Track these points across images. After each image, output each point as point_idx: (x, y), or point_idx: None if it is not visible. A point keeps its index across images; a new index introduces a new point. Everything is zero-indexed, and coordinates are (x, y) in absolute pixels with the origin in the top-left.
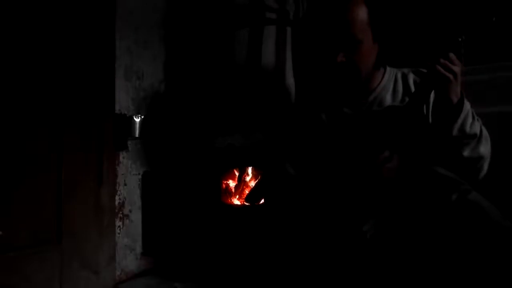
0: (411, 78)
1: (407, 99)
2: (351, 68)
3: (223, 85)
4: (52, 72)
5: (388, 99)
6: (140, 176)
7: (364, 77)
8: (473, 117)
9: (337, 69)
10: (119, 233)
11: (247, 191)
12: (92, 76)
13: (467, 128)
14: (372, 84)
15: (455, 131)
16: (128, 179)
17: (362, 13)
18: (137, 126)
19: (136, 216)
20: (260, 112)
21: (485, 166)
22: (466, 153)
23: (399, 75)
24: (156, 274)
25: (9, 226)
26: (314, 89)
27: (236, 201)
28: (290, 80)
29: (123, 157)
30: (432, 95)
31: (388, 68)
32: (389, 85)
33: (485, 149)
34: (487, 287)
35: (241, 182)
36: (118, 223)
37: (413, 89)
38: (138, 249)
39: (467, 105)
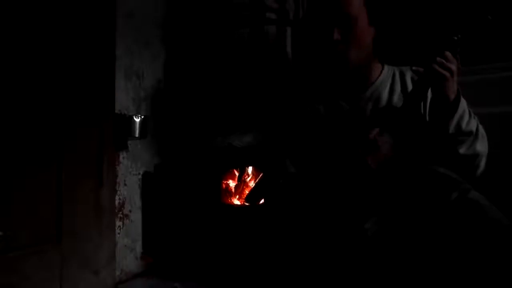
0: (408, 76)
1: (403, 96)
2: (347, 46)
3: (223, 84)
4: (52, 72)
5: (385, 96)
6: (140, 176)
7: (359, 61)
8: (470, 115)
9: (333, 48)
10: (119, 233)
11: (247, 191)
12: (92, 76)
13: (463, 125)
14: (369, 79)
15: (451, 128)
16: (128, 179)
17: None
18: (137, 126)
19: (136, 216)
20: (260, 111)
21: (482, 164)
22: (462, 150)
23: (397, 73)
24: (156, 274)
25: (9, 226)
26: (313, 85)
27: (236, 201)
28: (290, 79)
29: (123, 157)
30: (430, 93)
31: (386, 66)
32: (387, 81)
33: (481, 146)
34: (487, 285)
35: (241, 182)
36: (118, 223)
37: (410, 86)
38: (138, 249)
39: (463, 103)
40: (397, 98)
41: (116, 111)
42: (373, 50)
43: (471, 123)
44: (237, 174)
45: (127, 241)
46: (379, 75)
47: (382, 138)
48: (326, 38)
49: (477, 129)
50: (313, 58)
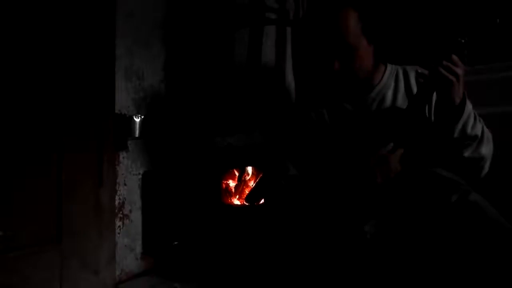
0: (412, 75)
1: (408, 97)
2: (348, 74)
3: (223, 85)
4: (52, 72)
5: (389, 96)
6: (140, 176)
7: (362, 80)
8: (475, 118)
9: (334, 76)
10: (119, 233)
11: (247, 191)
12: (92, 76)
13: (469, 130)
14: (373, 81)
15: (456, 133)
16: (128, 179)
17: (353, 20)
18: (137, 126)
19: (136, 216)
20: (260, 111)
21: (487, 166)
22: (467, 153)
23: (401, 72)
24: (156, 274)
25: (9, 226)
26: (315, 86)
27: (236, 201)
28: (290, 79)
29: (123, 157)
30: (434, 95)
31: (388, 65)
32: (390, 82)
33: (486, 149)
34: (487, 286)
35: (241, 182)
36: (118, 223)
37: (414, 86)
38: (138, 249)
39: (468, 107)
40: (401, 97)
41: (116, 111)
42: (374, 57)
43: (477, 127)
44: (237, 174)
45: (127, 241)
46: (382, 76)
47: (393, 154)
48: (327, 68)
49: (482, 132)
50: (314, 66)
